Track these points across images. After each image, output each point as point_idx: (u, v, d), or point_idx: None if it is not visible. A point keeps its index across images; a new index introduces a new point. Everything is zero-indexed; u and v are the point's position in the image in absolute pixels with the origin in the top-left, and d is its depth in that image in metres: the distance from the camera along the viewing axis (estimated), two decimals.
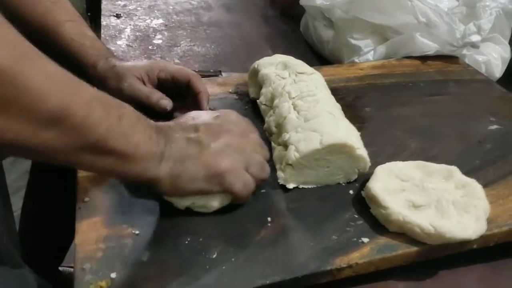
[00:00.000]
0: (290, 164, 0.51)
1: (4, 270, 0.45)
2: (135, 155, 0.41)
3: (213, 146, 0.46)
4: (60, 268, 1.04)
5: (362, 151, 0.52)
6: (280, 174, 0.52)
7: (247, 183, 0.47)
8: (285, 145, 0.53)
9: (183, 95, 0.64)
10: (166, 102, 0.61)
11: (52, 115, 0.35)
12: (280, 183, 0.52)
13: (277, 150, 0.55)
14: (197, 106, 0.62)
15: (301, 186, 0.53)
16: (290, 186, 0.52)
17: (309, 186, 0.53)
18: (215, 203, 0.48)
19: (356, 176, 0.54)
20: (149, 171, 0.43)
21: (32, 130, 0.35)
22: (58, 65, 0.38)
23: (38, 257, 0.93)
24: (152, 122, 0.45)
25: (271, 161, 0.55)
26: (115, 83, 0.60)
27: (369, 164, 0.53)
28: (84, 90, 0.39)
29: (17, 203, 0.95)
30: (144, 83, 0.61)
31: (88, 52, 0.61)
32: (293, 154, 0.50)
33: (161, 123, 0.47)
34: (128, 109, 0.43)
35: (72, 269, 1.03)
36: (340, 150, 0.51)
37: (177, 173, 0.44)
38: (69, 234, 0.95)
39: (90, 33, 0.64)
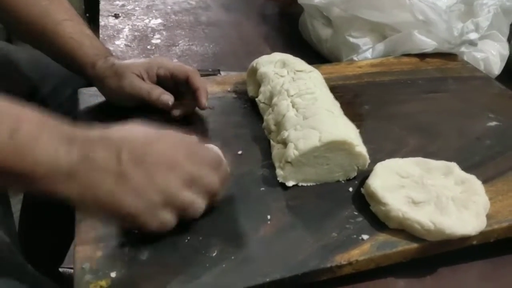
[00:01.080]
0: (289, 162, 0.51)
1: (4, 270, 0.45)
2: (34, 173, 0.37)
3: (130, 184, 0.40)
4: (60, 269, 1.04)
5: (361, 148, 0.52)
6: (279, 172, 0.52)
7: (164, 222, 0.42)
8: (284, 143, 0.53)
9: (182, 93, 0.63)
10: (167, 97, 0.60)
11: None
12: (280, 181, 0.52)
13: (276, 148, 0.55)
14: (196, 102, 0.62)
15: (300, 184, 0.53)
16: (290, 183, 0.52)
17: (309, 184, 0.53)
18: None
19: (355, 173, 0.54)
20: (57, 190, 0.38)
21: None
22: None
23: (38, 258, 0.93)
24: (66, 131, 0.39)
25: (270, 160, 0.55)
26: (114, 81, 0.60)
27: (368, 161, 0.53)
28: None
29: (16, 204, 0.95)
30: (144, 80, 0.61)
31: (86, 51, 0.61)
32: (292, 151, 0.50)
33: (81, 133, 0.40)
34: (28, 121, 0.38)
35: (72, 270, 1.03)
36: (339, 147, 0.51)
37: (89, 200, 0.39)
38: (69, 235, 0.95)
39: (88, 32, 0.63)
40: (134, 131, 0.43)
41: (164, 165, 0.42)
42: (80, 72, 0.63)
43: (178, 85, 0.63)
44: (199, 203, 0.44)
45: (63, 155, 0.38)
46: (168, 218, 0.42)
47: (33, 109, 0.39)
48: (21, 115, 0.38)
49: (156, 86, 0.61)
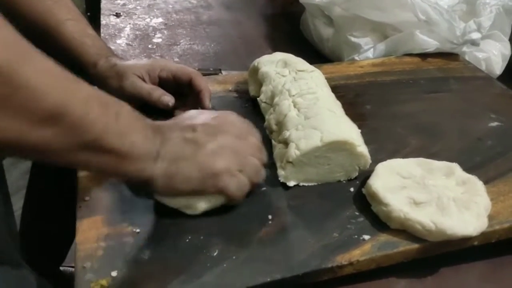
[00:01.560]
0: (291, 162, 0.51)
1: (4, 270, 0.45)
2: (131, 154, 0.41)
3: (208, 147, 0.45)
4: (61, 268, 1.04)
5: (362, 148, 0.52)
6: (280, 171, 0.52)
7: (241, 185, 0.46)
8: (286, 143, 0.53)
9: (185, 94, 0.63)
10: (168, 98, 0.61)
11: (49, 114, 0.35)
12: (281, 181, 0.52)
13: (278, 148, 0.55)
14: (199, 104, 0.62)
15: (301, 184, 0.53)
16: (291, 183, 0.52)
17: (310, 184, 0.53)
18: (202, 204, 0.47)
19: (356, 174, 0.54)
20: (145, 171, 0.43)
21: (29, 128, 0.34)
22: (55, 63, 0.37)
23: (39, 257, 0.93)
24: (149, 120, 0.45)
25: (271, 160, 0.55)
26: (116, 81, 0.60)
27: (369, 161, 0.53)
28: (81, 88, 0.38)
29: (17, 203, 0.95)
30: (145, 82, 0.61)
31: (88, 51, 0.61)
32: (293, 151, 0.50)
33: (158, 122, 0.46)
34: (126, 107, 0.42)
35: (73, 269, 1.04)
36: (341, 147, 0.51)
37: (172, 173, 0.44)
38: (70, 233, 0.95)
39: (91, 31, 0.63)
40: (199, 112, 0.50)
41: (234, 135, 0.48)
42: (82, 71, 0.63)
43: (181, 87, 0.63)
44: (262, 171, 0.49)
45: (151, 139, 0.43)
46: (244, 180, 0.47)
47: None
48: (119, 102, 0.42)
49: (157, 87, 0.61)
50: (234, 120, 0.50)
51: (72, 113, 0.36)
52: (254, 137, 0.50)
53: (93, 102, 0.38)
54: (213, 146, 0.46)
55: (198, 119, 0.48)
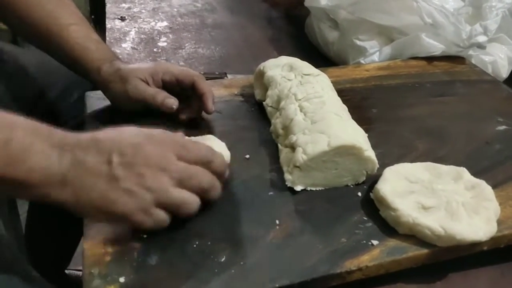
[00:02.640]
0: (298, 166, 0.51)
1: (11, 274, 0.45)
2: (29, 181, 0.38)
3: (122, 185, 0.41)
4: (66, 271, 1.04)
5: (370, 152, 0.52)
6: (287, 176, 0.52)
7: (157, 220, 0.43)
8: (292, 147, 0.53)
9: (189, 97, 0.63)
10: (172, 101, 0.60)
11: None
12: (288, 186, 0.52)
13: (284, 152, 0.54)
14: (202, 107, 0.62)
15: (309, 189, 0.53)
16: (298, 188, 0.52)
17: (317, 188, 0.53)
18: None
19: (364, 178, 0.54)
20: (50, 196, 0.40)
21: None
22: None
23: (44, 260, 0.93)
24: (58, 138, 0.41)
25: (277, 164, 0.55)
26: (119, 86, 0.60)
27: (377, 165, 0.53)
28: None
29: (23, 206, 0.95)
30: (149, 85, 0.61)
31: (92, 56, 0.61)
32: (300, 156, 0.50)
33: (70, 137, 0.42)
34: (21, 129, 0.39)
35: (78, 272, 1.04)
36: (348, 152, 0.51)
37: (83, 204, 0.41)
38: (76, 236, 0.95)
39: (94, 36, 0.63)
40: (124, 134, 0.44)
41: (154, 166, 0.43)
42: (86, 76, 0.63)
43: (185, 90, 0.63)
44: (191, 201, 0.44)
45: (55, 162, 0.39)
46: (162, 216, 0.43)
47: (25, 118, 0.40)
48: (14, 124, 0.39)
49: (161, 90, 0.61)
50: (157, 142, 0.44)
51: None
52: (193, 148, 0.45)
53: None
54: (126, 184, 0.41)
55: (118, 143, 0.43)
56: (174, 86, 0.62)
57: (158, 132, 0.46)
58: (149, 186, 0.42)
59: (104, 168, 0.41)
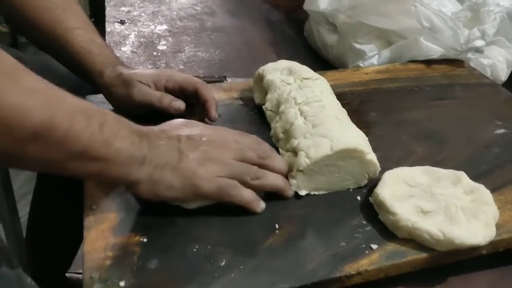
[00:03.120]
0: (301, 171, 0.51)
1: (3, 283, 0.45)
2: (117, 160, 0.43)
3: (191, 157, 0.47)
4: (67, 275, 1.04)
5: (372, 156, 0.52)
6: (292, 181, 0.52)
7: (222, 187, 0.48)
8: (294, 152, 0.53)
9: (192, 103, 0.63)
10: (179, 103, 0.61)
11: (35, 130, 0.37)
12: (293, 190, 0.52)
13: (286, 156, 0.55)
14: (206, 114, 0.62)
15: (312, 193, 0.53)
16: (303, 192, 0.52)
17: (320, 193, 0.53)
18: (192, 204, 0.50)
19: (366, 181, 0.54)
20: (131, 175, 0.45)
21: (17, 145, 0.37)
22: (39, 78, 0.39)
23: (45, 263, 0.93)
24: (135, 126, 0.46)
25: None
26: (122, 90, 0.60)
27: (379, 168, 0.53)
28: (65, 101, 0.41)
29: (23, 209, 0.95)
30: None
31: (95, 59, 0.62)
32: (303, 160, 0.50)
33: (145, 128, 0.48)
34: (110, 116, 0.44)
35: (78, 276, 1.04)
36: (351, 155, 0.51)
37: (156, 179, 0.46)
38: (76, 239, 0.95)
39: (99, 40, 0.64)
40: (188, 122, 0.52)
41: (217, 144, 0.49)
42: (89, 79, 0.63)
43: (187, 97, 0.63)
44: (254, 170, 0.50)
45: (137, 145, 0.45)
46: (225, 183, 0.48)
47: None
48: (103, 112, 0.44)
49: (166, 93, 0.61)
50: (221, 133, 0.52)
51: (58, 128, 0.38)
52: (249, 137, 0.53)
53: (78, 115, 0.40)
54: (195, 156, 0.47)
55: (184, 129, 0.50)
56: (177, 93, 0.62)
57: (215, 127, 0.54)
58: (213, 157, 0.48)
59: (175, 146, 0.47)
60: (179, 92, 0.62)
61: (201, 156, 0.48)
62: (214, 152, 0.49)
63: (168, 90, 0.62)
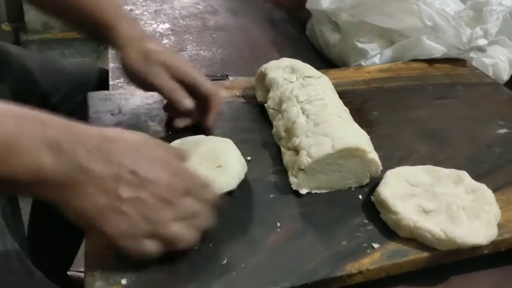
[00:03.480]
0: (303, 169, 0.51)
1: (16, 275, 0.46)
2: (14, 179, 0.35)
3: (123, 207, 0.39)
4: (68, 273, 1.04)
5: (373, 154, 0.52)
6: (293, 179, 0.52)
7: (144, 250, 0.41)
8: (296, 150, 0.53)
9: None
10: (189, 102, 0.57)
11: None
12: (294, 189, 0.52)
13: (288, 155, 0.55)
14: (202, 119, 0.61)
15: (313, 191, 0.53)
16: (303, 191, 0.52)
17: (321, 191, 0.53)
18: None
19: (368, 180, 0.54)
20: (42, 195, 0.38)
21: None
22: None
23: (46, 261, 0.93)
24: (53, 133, 0.37)
25: (280, 166, 0.55)
26: (141, 64, 0.57)
27: (381, 167, 0.53)
28: None
29: (25, 207, 0.95)
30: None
31: (107, 10, 0.58)
32: (305, 159, 0.50)
33: (75, 135, 0.38)
34: (5, 123, 0.35)
35: (80, 274, 1.04)
36: (352, 154, 0.51)
37: (75, 209, 0.38)
38: (78, 238, 0.95)
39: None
40: (141, 147, 0.41)
41: (162, 197, 0.40)
42: (102, 34, 0.59)
43: (192, 95, 0.60)
44: (188, 238, 0.42)
45: (48, 164, 0.35)
46: (150, 247, 0.40)
47: (11, 104, 0.36)
48: None
49: (179, 87, 0.58)
50: (176, 170, 0.42)
51: None
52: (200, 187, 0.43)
53: None
54: (128, 208, 0.39)
55: (131, 157, 0.40)
56: (187, 89, 0.59)
57: (174, 160, 0.43)
58: (149, 217, 0.39)
59: (109, 182, 0.38)
60: (190, 89, 0.59)
61: (137, 208, 0.39)
62: (154, 208, 0.40)
63: (180, 82, 0.59)
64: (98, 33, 0.60)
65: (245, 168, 0.53)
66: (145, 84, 0.59)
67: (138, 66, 0.57)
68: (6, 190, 0.39)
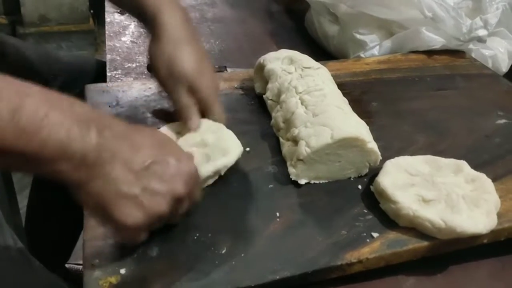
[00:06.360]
0: (301, 160, 0.51)
1: (15, 265, 0.45)
2: (40, 155, 0.34)
3: (140, 198, 0.39)
4: (66, 265, 1.04)
5: (372, 144, 0.52)
6: (291, 170, 0.52)
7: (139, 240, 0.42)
8: (295, 141, 0.53)
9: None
10: (196, 124, 0.53)
11: None
12: (293, 179, 0.52)
13: (286, 145, 0.54)
14: (188, 122, 0.55)
15: (312, 181, 0.53)
16: (302, 181, 0.52)
17: (320, 181, 0.53)
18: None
19: (367, 170, 0.54)
20: (63, 173, 0.36)
21: None
22: None
23: (44, 254, 0.93)
24: (81, 111, 0.37)
25: (279, 157, 0.55)
26: (165, 73, 0.54)
27: (380, 157, 0.53)
28: None
29: (22, 201, 0.95)
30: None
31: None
32: (304, 149, 0.50)
33: (102, 118, 0.38)
34: (33, 98, 0.35)
35: (78, 266, 1.04)
36: (351, 144, 0.51)
37: (91, 191, 0.37)
38: (76, 230, 0.95)
39: None
40: (164, 146, 0.42)
41: (177, 199, 0.41)
42: (146, 21, 0.57)
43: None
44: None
45: (77, 137, 0.35)
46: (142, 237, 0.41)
47: (42, 87, 0.36)
48: (25, 92, 0.35)
49: (194, 105, 0.54)
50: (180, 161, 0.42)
51: None
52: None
53: None
54: (145, 200, 0.39)
55: (157, 152, 0.41)
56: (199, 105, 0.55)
57: (188, 160, 0.43)
58: (162, 215, 0.40)
59: (137, 169, 0.38)
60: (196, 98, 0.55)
61: (152, 202, 0.39)
62: (164, 207, 0.40)
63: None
64: (144, 19, 0.58)
65: (241, 147, 0.52)
66: (161, 85, 0.56)
67: (161, 70, 0.54)
68: (27, 167, 0.37)
